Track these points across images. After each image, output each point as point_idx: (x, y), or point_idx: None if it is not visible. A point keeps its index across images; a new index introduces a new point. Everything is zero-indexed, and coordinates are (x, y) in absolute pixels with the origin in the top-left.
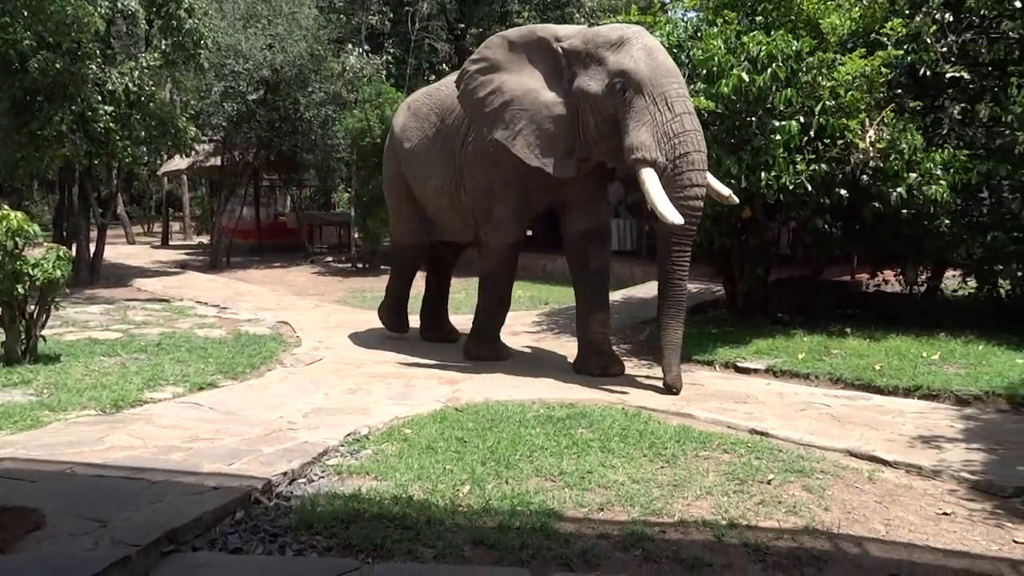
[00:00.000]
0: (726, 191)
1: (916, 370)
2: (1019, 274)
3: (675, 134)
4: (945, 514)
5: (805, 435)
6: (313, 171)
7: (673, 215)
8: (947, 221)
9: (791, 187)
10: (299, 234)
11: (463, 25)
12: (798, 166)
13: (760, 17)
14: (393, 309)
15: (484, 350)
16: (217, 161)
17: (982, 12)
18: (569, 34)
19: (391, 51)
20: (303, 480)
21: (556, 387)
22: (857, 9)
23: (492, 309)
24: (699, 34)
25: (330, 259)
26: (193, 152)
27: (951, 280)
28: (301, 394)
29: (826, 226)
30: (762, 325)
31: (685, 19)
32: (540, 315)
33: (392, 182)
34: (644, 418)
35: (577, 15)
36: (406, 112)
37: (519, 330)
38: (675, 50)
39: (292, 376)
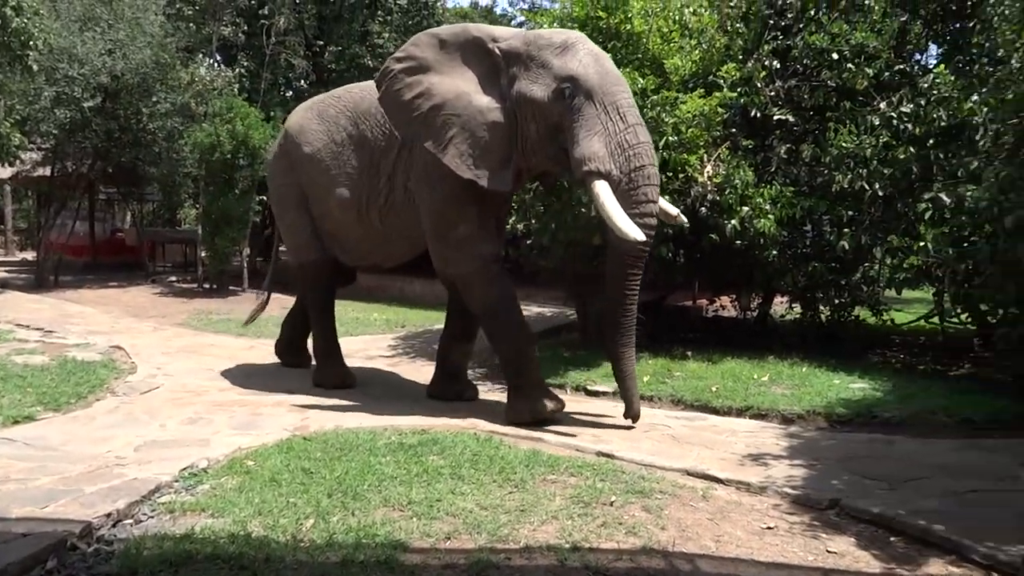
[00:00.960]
0: (674, 210)
1: (748, 391)
2: (836, 301)
3: (630, 145)
4: (769, 528)
5: (647, 456)
6: (157, 185)
7: (634, 231)
8: (775, 252)
9: None
10: (139, 251)
11: (322, 42)
12: None
13: (608, 55)
14: (327, 349)
15: (533, 404)
16: (46, 171)
17: (805, 61)
18: (506, 35)
19: (245, 64)
20: (129, 521)
21: (410, 413)
22: (697, 52)
23: (517, 346)
24: None
25: (174, 279)
26: (18, 161)
27: (780, 306)
28: (133, 426)
29: (670, 254)
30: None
31: None
32: (396, 339)
33: (285, 193)
34: (495, 443)
35: None
36: (307, 114)
37: (374, 354)
38: None
39: (124, 406)
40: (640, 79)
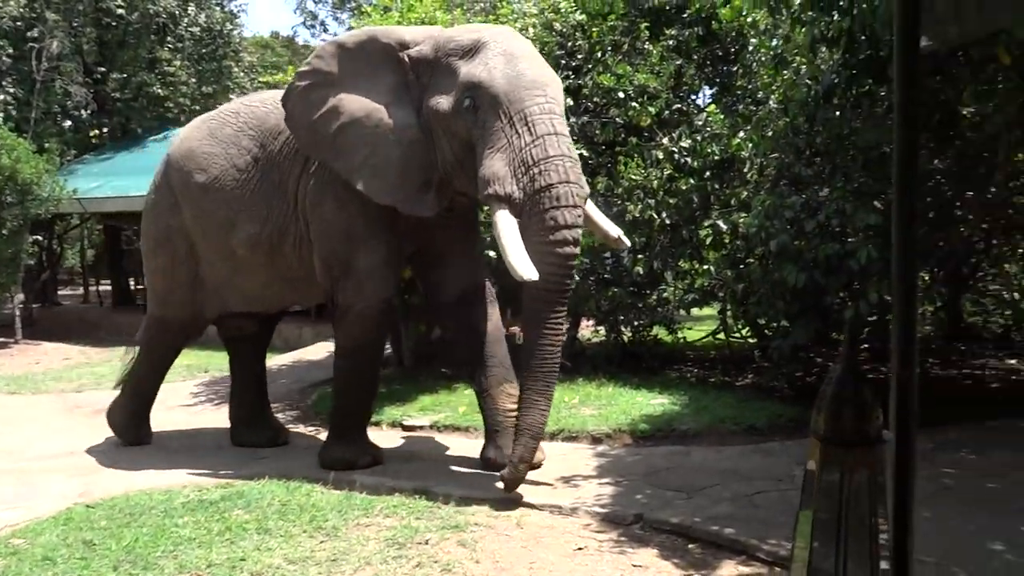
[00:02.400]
0: (615, 231)
1: (559, 414)
2: (635, 322)
3: (535, 162)
4: (580, 549)
5: (465, 488)
6: None
7: (524, 268)
8: (578, 278)
9: None
10: None
11: (104, 68)
12: None
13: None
14: (139, 411)
15: (351, 451)
16: None
17: (595, 99)
18: (417, 39)
19: (11, 91)
20: None
21: (213, 466)
22: None
23: (359, 395)
24: None
25: None
26: None
27: (587, 329)
28: None
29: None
30: (428, 381)
31: None
32: (199, 385)
33: (164, 234)
34: (306, 490)
35: (236, 68)
36: (196, 136)
37: (174, 404)
38: None
39: None
40: None
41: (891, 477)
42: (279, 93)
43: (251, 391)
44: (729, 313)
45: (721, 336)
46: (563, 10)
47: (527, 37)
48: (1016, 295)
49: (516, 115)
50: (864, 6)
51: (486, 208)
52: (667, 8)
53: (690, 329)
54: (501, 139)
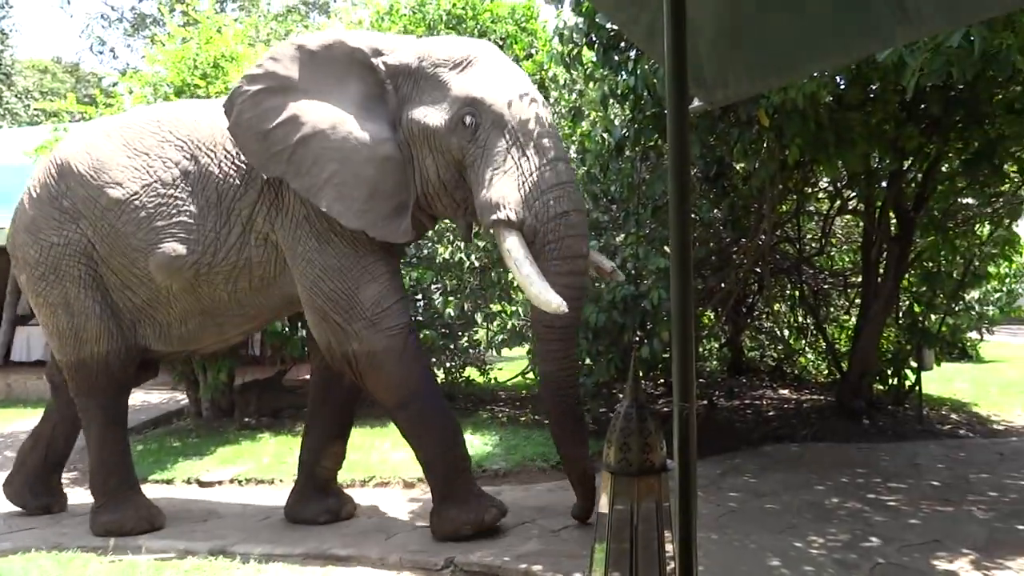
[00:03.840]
0: (608, 264)
1: (370, 459)
2: (447, 365)
3: (549, 187)
4: None
5: (266, 546)
6: None
7: (554, 299)
8: None
9: None
10: None
11: None
12: None
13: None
14: (124, 479)
15: (471, 512)
16: None
17: None
18: (393, 46)
19: None
20: None
21: None
22: None
23: (444, 440)
24: None
25: None
26: None
27: None
28: None
29: (285, 328)
30: (229, 432)
31: None
32: None
33: (54, 258)
34: (82, 561)
35: (6, 93)
36: (105, 146)
37: None
38: None
39: None
40: None
41: (676, 503)
42: (206, 102)
43: (56, 447)
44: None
45: (531, 375)
46: None
47: None
48: (786, 332)
49: (523, 136)
50: (646, 67)
51: (482, 233)
52: None
53: (501, 370)
54: (508, 161)
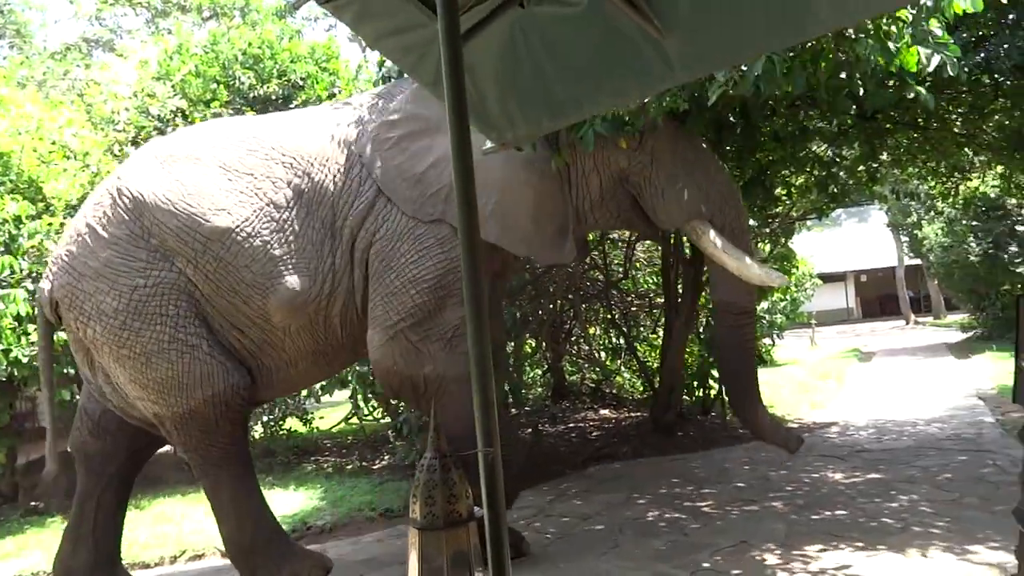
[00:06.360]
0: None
1: (182, 529)
2: (265, 418)
3: (725, 196)
4: None
5: None
6: None
7: (774, 274)
8: None
9: (26, 359)
10: None
11: None
12: (32, 335)
13: None
14: (274, 539)
15: None
16: None
17: None
18: None
19: None
20: None
21: None
22: (86, 175)
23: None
24: None
25: None
26: None
27: None
28: None
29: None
30: (12, 519)
31: None
32: None
33: (140, 300)
34: None
35: None
36: (193, 168)
37: None
38: None
39: None
40: (12, 204)
41: (487, 549)
42: (296, 113)
43: (111, 529)
44: (359, 395)
45: (354, 420)
46: (159, 95)
47: (120, 120)
48: (602, 354)
49: (685, 148)
50: None
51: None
52: (274, 98)
53: (322, 418)
54: (679, 169)
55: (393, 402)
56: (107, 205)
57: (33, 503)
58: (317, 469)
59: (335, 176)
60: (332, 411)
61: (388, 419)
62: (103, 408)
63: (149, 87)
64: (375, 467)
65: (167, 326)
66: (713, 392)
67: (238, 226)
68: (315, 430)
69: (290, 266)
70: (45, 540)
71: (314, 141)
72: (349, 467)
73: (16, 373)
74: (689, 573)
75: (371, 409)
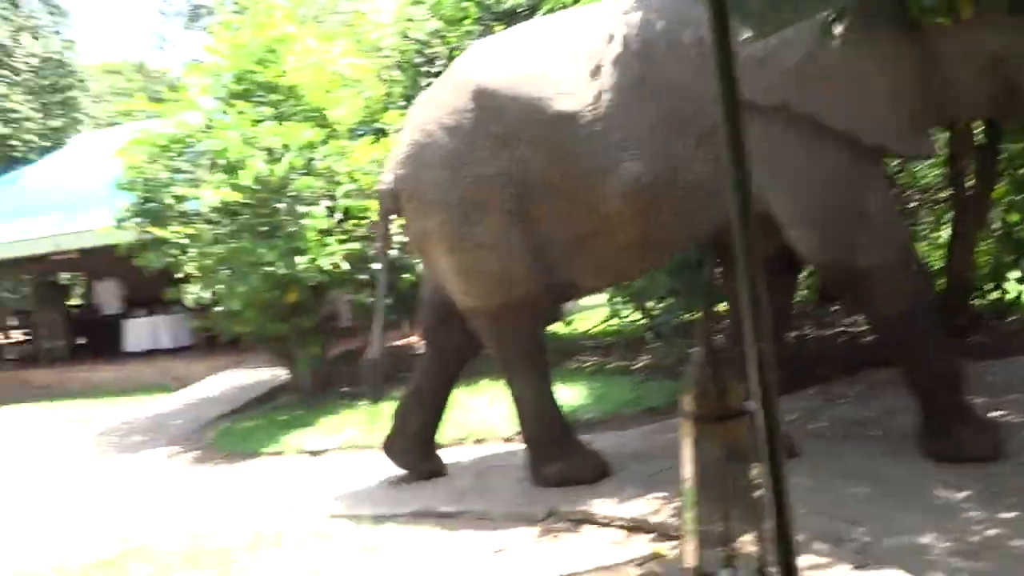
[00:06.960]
0: None
1: (468, 418)
2: None
3: None
4: (499, 551)
5: (378, 508)
6: None
7: None
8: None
9: (329, 267)
10: None
11: None
12: (331, 247)
13: (271, 108)
14: (561, 434)
15: (983, 439)
16: None
17: None
18: None
19: None
20: None
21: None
22: (360, 101)
23: (953, 366)
24: (211, 125)
25: None
26: None
27: None
28: None
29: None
30: (329, 402)
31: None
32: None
33: (478, 191)
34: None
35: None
36: (534, 53)
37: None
38: (188, 140)
39: None
40: (308, 131)
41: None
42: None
43: (437, 409)
44: (617, 298)
45: (613, 322)
46: (417, 18)
47: (383, 47)
48: None
49: None
50: None
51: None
52: (519, 11)
53: (582, 321)
54: None
55: (648, 304)
56: (445, 97)
57: (344, 388)
58: (579, 368)
59: (683, 66)
60: (591, 312)
61: (645, 321)
62: (443, 297)
63: (407, 13)
64: (634, 367)
65: (503, 220)
66: (1010, 295)
67: (580, 110)
68: (576, 332)
69: (630, 153)
70: (357, 420)
71: (659, 24)
72: (609, 366)
73: (323, 279)
74: (978, 483)
75: (628, 311)
